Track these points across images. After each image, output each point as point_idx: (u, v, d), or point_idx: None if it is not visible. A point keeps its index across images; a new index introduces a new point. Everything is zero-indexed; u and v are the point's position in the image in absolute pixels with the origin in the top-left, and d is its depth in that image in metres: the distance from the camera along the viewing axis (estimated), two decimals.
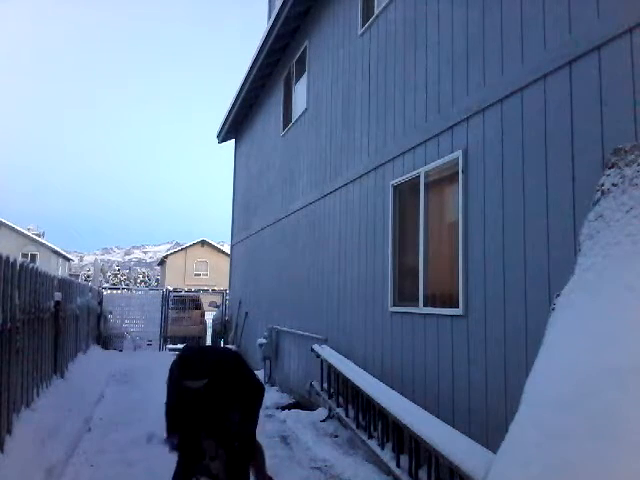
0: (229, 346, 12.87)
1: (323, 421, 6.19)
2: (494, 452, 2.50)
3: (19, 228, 39.51)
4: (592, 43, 3.19)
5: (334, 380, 6.08)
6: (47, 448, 4.45)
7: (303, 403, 7.53)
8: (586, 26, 3.25)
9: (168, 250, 65.49)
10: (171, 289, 18.41)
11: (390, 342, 5.39)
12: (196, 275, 47.69)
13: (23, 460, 3.99)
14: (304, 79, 9.06)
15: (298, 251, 8.75)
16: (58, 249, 42.43)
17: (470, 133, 4.33)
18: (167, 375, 3.59)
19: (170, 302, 16.35)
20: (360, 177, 6.41)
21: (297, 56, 9.42)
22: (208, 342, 16.89)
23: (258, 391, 3.71)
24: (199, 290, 19.83)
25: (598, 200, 2.34)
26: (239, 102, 12.36)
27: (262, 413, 3.99)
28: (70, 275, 43.00)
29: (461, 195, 4.34)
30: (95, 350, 11.98)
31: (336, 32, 7.61)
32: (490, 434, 3.67)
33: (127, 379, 9.64)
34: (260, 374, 9.69)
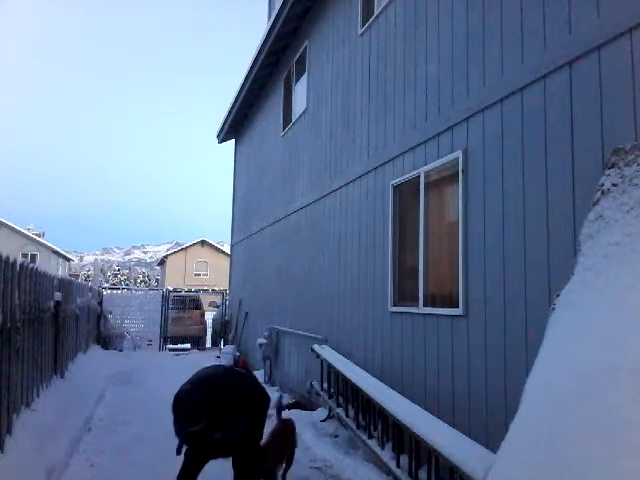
0: (229, 346, 12.85)
1: (323, 421, 6.19)
2: (494, 452, 2.51)
3: (19, 228, 39.50)
4: (592, 43, 3.19)
5: (334, 380, 6.08)
6: (47, 448, 4.45)
7: (303, 403, 7.53)
8: (586, 26, 3.26)
9: (168, 250, 65.50)
10: (171, 289, 18.42)
11: (390, 342, 5.39)
12: (196, 275, 47.70)
13: (23, 460, 3.99)
14: (304, 79, 9.06)
15: (298, 251, 8.75)
16: (58, 249, 42.43)
17: (470, 133, 4.33)
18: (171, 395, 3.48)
19: (170, 302, 16.36)
20: (360, 177, 6.41)
21: (297, 56, 9.42)
22: (208, 342, 16.91)
23: (262, 401, 3.72)
24: (199, 290, 19.82)
25: (598, 200, 2.35)
26: (239, 102, 12.36)
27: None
28: (70, 275, 43.01)
29: (461, 195, 4.34)
30: (95, 350, 11.98)
31: (336, 32, 7.62)
32: (490, 434, 3.67)
33: (127, 379, 9.64)
34: (260, 374, 9.69)
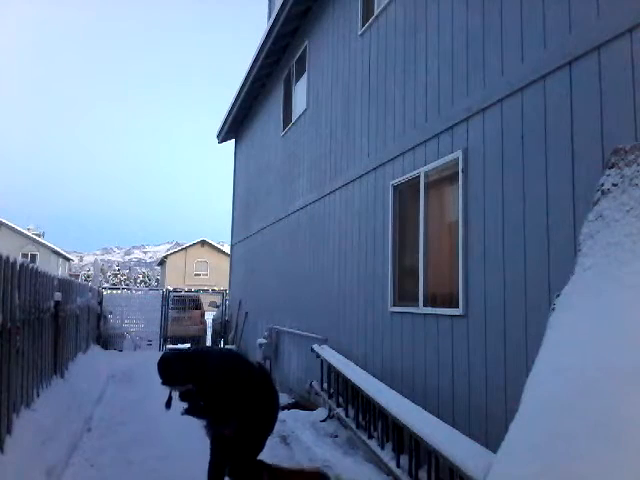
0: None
1: (323, 421, 6.18)
2: (494, 452, 2.50)
3: (19, 228, 39.49)
4: (592, 43, 3.19)
5: (334, 380, 6.08)
6: (47, 448, 4.45)
7: (303, 403, 7.53)
8: (586, 26, 3.25)
9: (168, 250, 65.48)
10: (171, 289, 18.40)
11: (390, 342, 5.39)
12: (196, 275, 47.68)
13: (23, 460, 3.98)
14: (304, 79, 9.06)
15: (298, 251, 8.75)
16: (58, 249, 42.41)
17: (470, 133, 4.33)
18: None
19: (170, 302, 16.34)
20: (360, 177, 6.41)
21: (297, 56, 9.42)
22: (208, 342, 16.88)
23: (264, 404, 3.61)
24: (199, 290, 19.81)
25: (598, 200, 2.34)
26: (239, 102, 12.36)
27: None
28: (70, 275, 42.98)
29: (461, 195, 4.34)
30: (95, 350, 11.97)
31: (336, 32, 7.62)
32: (490, 434, 3.67)
33: (127, 379, 9.64)
34: None
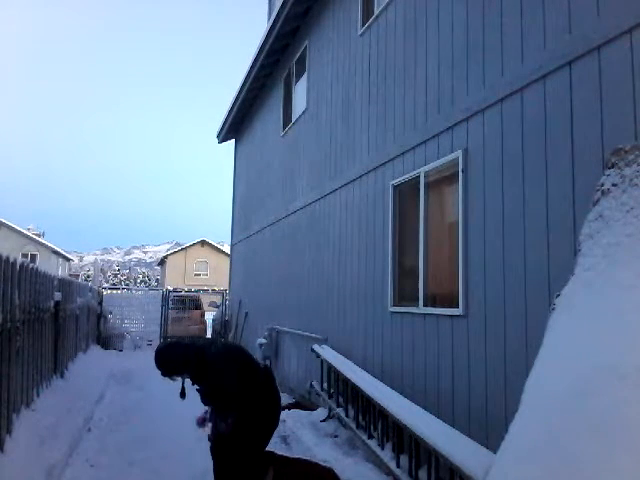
0: None
1: (323, 421, 6.18)
2: (494, 452, 2.51)
3: (19, 228, 39.48)
4: (592, 43, 3.19)
5: (334, 380, 6.08)
6: (47, 448, 4.45)
7: (303, 403, 7.53)
8: (586, 26, 3.26)
9: (168, 250, 65.48)
10: (171, 289, 18.40)
11: (390, 342, 5.39)
12: (196, 275, 47.67)
13: (23, 460, 3.98)
14: (304, 79, 9.06)
15: (298, 251, 8.75)
16: (58, 249, 42.41)
17: (470, 133, 4.33)
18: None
19: (170, 302, 16.34)
20: (360, 177, 6.41)
21: (297, 56, 9.42)
22: None
23: (263, 400, 3.46)
24: (199, 290, 19.81)
25: (598, 200, 2.34)
26: (239, 102, 12.36)
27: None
28: (70, 275, 42.98)
29: (461, 195, 4.34)
30: (95, 350, 11.97)
31: (336, 32, 7.62)
32: (490, 434, 3.67)
33: (127, 379, 9.64)
34: None
